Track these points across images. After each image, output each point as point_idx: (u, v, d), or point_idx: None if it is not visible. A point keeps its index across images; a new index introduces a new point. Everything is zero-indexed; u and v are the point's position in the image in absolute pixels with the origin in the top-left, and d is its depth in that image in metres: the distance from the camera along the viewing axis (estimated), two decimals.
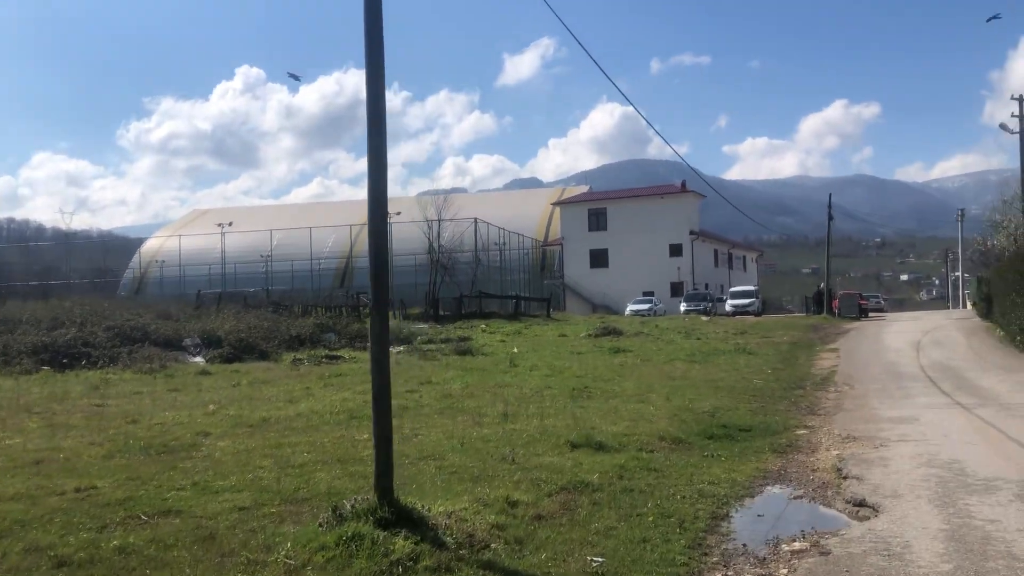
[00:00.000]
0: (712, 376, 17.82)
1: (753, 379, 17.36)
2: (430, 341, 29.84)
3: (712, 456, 8.85)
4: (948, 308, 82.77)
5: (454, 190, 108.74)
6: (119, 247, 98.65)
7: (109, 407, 13.35)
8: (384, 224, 6.60)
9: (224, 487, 7.38)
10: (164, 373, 20.12)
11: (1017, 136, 34.52)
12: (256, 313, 32.98)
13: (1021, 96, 34.81)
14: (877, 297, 71.50)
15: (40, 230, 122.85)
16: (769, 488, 7.62)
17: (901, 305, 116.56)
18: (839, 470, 8.11)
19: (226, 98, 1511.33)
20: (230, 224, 71.52)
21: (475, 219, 61.38)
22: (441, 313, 43.75)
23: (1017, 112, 35.11)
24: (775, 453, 9.11)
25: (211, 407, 12.84)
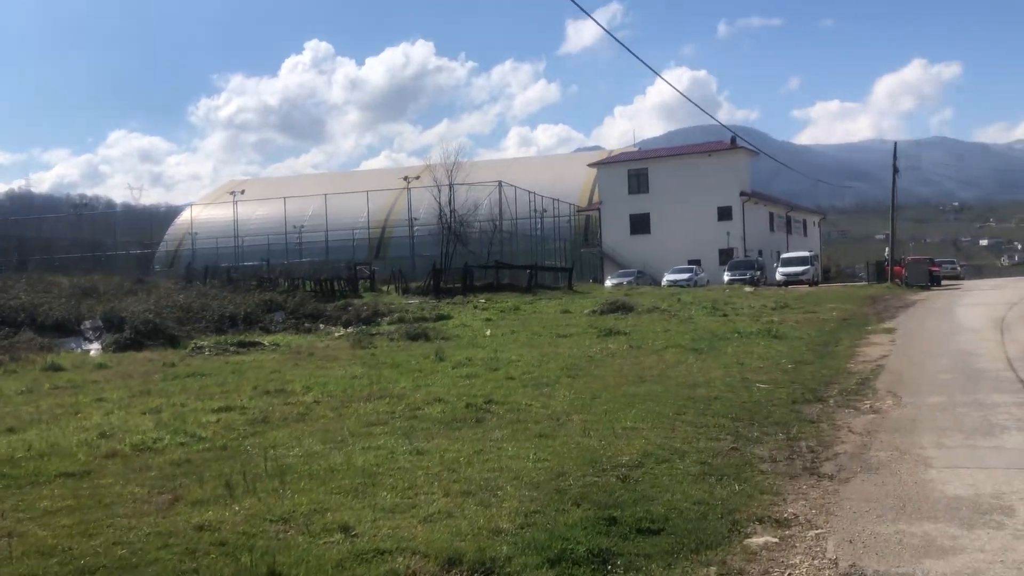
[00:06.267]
0: (701, 376, 12.51)
1: (757, 382, 11.96)
2: (400, 320, 25.03)
3: None
4: None
5: (516, 160, 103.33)
6: (165, 219, 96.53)
7: None
8: None
9: None
10: (5, 369, 15.61)
11: None
12: (198, 289, 28.41)
13: None
14: (952, 263, 64.03)
15: (110, 205, 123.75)
16: None
17: (980, 272, 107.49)
18: None
19: (295, 72, 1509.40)
20: (242, 192, 67.44)
21: (499, 183, 56.03)
22: (446, 286, 38.78)
23: None
24: None
25: None
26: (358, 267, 44.17)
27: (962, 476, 6.32)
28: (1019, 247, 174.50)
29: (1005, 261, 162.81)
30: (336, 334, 21.79)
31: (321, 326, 24.11)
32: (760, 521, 5.36)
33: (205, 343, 19.05)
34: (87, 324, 21.20)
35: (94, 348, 19.83)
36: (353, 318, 25.12)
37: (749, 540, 5.01)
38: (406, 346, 18.60)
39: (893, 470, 6.60)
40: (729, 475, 6.53)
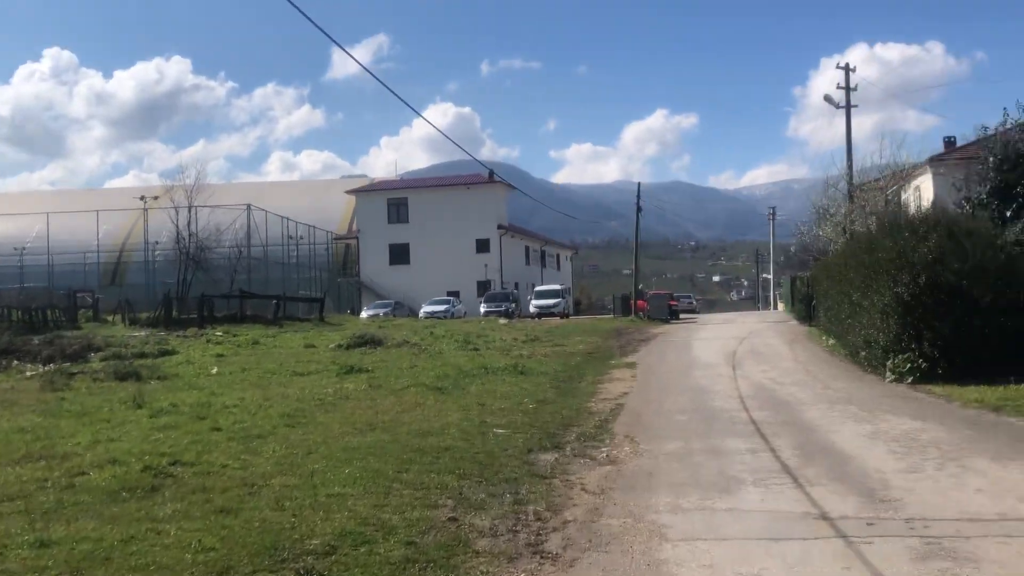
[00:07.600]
0: (437, 421, 11.42)
1: (495, 426, 11.06)
2: (115, 356, 22.14)
3: None
4: (759, 309, 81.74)
5: (274, 184, 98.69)
6: None
7: None
8: None
9: None
10: None
11: (829, 127, 30.76)
12: None
13: (847, 65, 31.03)
14: (689, 297, 68.59)
15: None
16: None
17: (713, 306, 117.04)
18: None
19: (31, 81, 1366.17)
20: None
21: (248, 206, 52.87)
22: (180, 317, 35.50)
23: (843, 83, 31.24)
24: None
25: None
26: (79, 294, 39.58)
27: (699, 552, 5.53)
28: (746, 283, 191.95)
29: (735, 296, 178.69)
30: (29, 373, 18.69)
31: (16, 363, 20.72)
32: None
33: None
34: None
35: None
36: (57, 354, 21.87)
37: None
38: (110, 388, 16.11)
39: (625, 546, 5.71)
40: (437, 561, 5.36)
